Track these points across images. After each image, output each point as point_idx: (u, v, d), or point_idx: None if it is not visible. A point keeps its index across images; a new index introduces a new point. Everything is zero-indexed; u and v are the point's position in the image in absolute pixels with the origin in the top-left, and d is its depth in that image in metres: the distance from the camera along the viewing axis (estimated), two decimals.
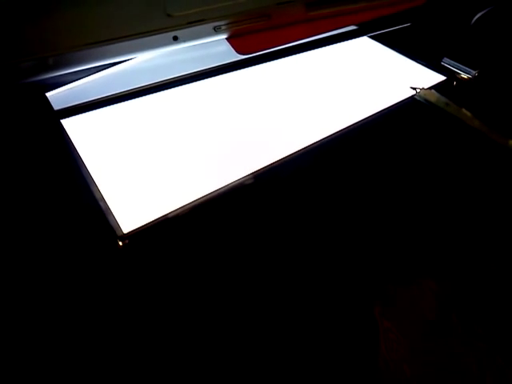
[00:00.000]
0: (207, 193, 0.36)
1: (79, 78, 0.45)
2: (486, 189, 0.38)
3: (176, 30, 0.40)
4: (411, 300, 0.34)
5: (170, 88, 0.44)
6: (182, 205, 0.36)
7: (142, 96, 0.44)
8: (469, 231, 0.36)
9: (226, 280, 0.34)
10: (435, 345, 0.32)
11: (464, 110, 0.41)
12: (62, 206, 0.37)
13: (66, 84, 0.45)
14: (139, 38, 0.40)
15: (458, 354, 0.32)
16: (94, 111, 0.43)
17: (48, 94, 0.46)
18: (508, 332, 0.32)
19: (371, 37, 0.50)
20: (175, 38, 0.41)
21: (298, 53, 0.46)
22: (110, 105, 0.43)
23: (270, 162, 0.38)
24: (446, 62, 0.47)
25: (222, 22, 0.41)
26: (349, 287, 0.35)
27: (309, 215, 0.37)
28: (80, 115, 0.43)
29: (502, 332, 0.32)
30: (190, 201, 0.36)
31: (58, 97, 0.46)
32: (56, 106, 0.44)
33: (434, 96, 0.42)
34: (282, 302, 0.34)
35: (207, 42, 0.42)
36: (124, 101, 0.43)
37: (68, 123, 0.43)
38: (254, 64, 0.44)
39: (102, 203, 0.36)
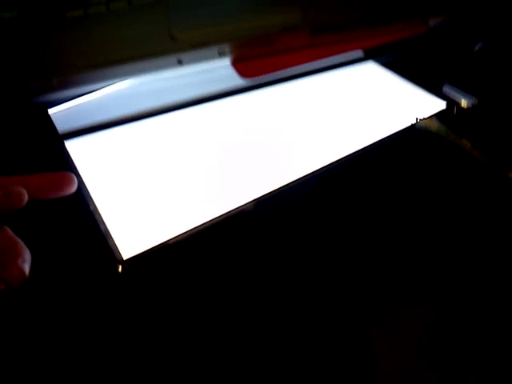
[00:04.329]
0: (209, 219, 0.36)
1: (82, 95, 0.45)
2: (485, 216, 0.38)
3: (180, 53, 0.41)
4: (406, 322, 0.34)
5: (174, 111, 0.44)
6: (183, 231, 0.35)
7: (145, 119, 0.44)
8: (466, 257, 0.36)
9: (225, 307, 0.34)
10: (430, 369, 0.32)
11: (465, 140, 0.41)
12: (62, 227, 0.37)
13: (69, 100, 0.46)
14: (144, 60, 0.40)
15: (452, 379, 0.32)
16: (97, 133, 0.43)
17: (50, 111, 0.46)
18: (503, 358, 0.32)
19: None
20: (179, 61, 0.41)
21: (301, 78, 0.46)
22: (113, 127, 0.43)
23: (270, 190, 0.38)
24: (447, 89, 0.47)
25: (227, 46, 0.41)
26: (345, 309, 0.35)
27: (307, 237, 0.37)
28: (83, 137, 0.43)
29: (497, 359, 0.32)
30: (192, 227, 0.36)
31: (60, 114, 0.45)
32: (59, 124, 0.44)
33: (434, 125, 0.42)
34: (280, 326, 0.34)
35: (211, 66, 0.42)
36: (127, 123, 0.43)
37: (71, 144, 0.43)
38: (257, 89, 0.44)
39: (102, 226, 0.36)
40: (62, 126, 0.44)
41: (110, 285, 0.34)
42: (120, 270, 0.34)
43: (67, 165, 0.40)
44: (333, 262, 0.36)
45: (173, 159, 0.41)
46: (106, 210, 0.37)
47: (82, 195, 0.38)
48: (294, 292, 0.35)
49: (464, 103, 0.45)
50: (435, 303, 0.35)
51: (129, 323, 0.33)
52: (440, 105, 0.46)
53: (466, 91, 0.46)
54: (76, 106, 0.45)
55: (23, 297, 0.33)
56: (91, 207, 0.37)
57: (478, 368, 0.32)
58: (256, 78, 0.43)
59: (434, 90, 0.47)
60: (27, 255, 0.27)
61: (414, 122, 0.43)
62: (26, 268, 0.26)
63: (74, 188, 0.30)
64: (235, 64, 0.43)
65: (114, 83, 0.43)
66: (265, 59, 0.42)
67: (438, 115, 0.44)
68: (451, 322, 0.34)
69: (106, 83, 0.42)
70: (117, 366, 0.32)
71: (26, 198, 0.27)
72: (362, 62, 0.48)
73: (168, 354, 0.32)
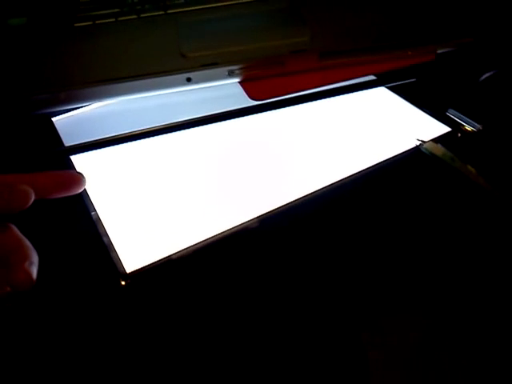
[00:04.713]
0: (213, 235, 0.36)
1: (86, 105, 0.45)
2: (483, 239, 0.38)
3: (190, 71, 0.41)
4: (398, 331, 0.34)
5: (180, 130, 0.44)
6: (186, 246, 0.36)
7: (151, 136, 0.44)
8: (463, 271, 0.36)
9: (227, 324, 0.34)
10: (422, 379, 0.32)
11: (469, 166, 0.41)
12: (65, 238, 0.37)
13: (73, 110, 0.46)
14: (153, 77, 0.40)
15: None
16: (103, 148, 0.43)
17: (54, 119, 0.46)
18: (496, 370, 0.32)
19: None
20: (188, 79, 0.41)
21: (309, 101, 0.46)
22: (120, 143, 0.43)
23: (275, 207, 0.38)
24: (451, 113, 0.47)
25: (236, 67, 0.42)
26: (337, 318, 0.34)
27: (307, 251, 0.37)
28: (88, 151, 0.43)
29: (492, 366, 0.32)
30: (195, 242, 0.36)
31: (64, 122, 0.46)
32: (63, 133, 0.44)
33: (439, 150, 0.42)
34: (276, 338, 0.34)
35: (219, 85, 0.42)
36: (134, 140, 0.43)
37: (76, 158, 0.43)
38: (265, 110, 0.45)
39: (105, 239, 0.36)
40: (66, 137, 0.44)
41: (112, 298, 0.34)
42: (123, 283, 0.34)
43: None
44: (329, 272, 0.36)
45: (178, 175, 0.41)
46: (109, 223, 0.37)
47: (87, 208, 0.38)
48: (291, 305, 0.35)
49: (468, 128, 0.45)
50: (430, 310, 0.35)
51: (129, 338, 0.33)
52: (444, 129, 0.46)
53: (471, 118, 0.46)
54: (80, 113, 0.45)
55: (25, 304, 0.33)
56: (94, 219, 0.37)
57: (473, 375, 0.32)
58: (264, 100, 0.43)
59: (439, 114, 0.47)
60: (35, 258, 0.26)
61: (417, 143, 0.43)
62: (34, 271, 0.25)
63: (81, 188, 0.29)
64: (244, 85, 0.43)
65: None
66: (274, 81, 0.43)
67: (443, 140, 0.44)
68: (446, 329, 0.34)
69: (113, 98, 0.42)
70: (116, 381, 0.32)
71: (32, 197, 0.26)
72: (372, 88, 0.49)
73: (170, 369, 0.32)
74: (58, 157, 0.43)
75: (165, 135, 0.44)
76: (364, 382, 0.32)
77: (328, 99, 0.47)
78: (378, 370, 0.32)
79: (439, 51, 0.47)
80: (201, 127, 0.45)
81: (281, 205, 0.39)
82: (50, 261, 0.35)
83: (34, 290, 0.32)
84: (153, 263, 0.35)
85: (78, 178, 0.30)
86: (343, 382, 0.32)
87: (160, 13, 0.49)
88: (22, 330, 0.33)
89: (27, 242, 0.27)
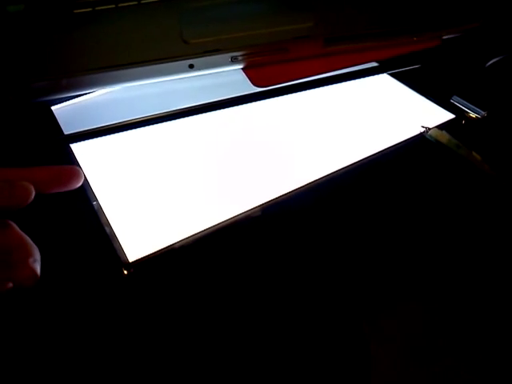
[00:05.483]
0: (215, 223, 0.36)
1: (86, 93, 0.45)
2: (485, 224, 0.38)
3: (192, 58, 0.40)
4: (398, 324, 0.34)
5: (182, 117, 0.43)
6: (189, 235, 0.35)
7: (152, 124, 0.43)
8: (464, 262, 0.36)
9: (228, 313, 0.34)
10: (423, 373, 0.32)
11: (474, 152, 0.41)
12: (67, 228, 0.37)
13: (72, 98, 0.45)
14: (155, 63, 0.40)
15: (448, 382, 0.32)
16: (103, 136, 0.43)
17: (54, 108, 0.46)
18: (496, 362, 0.32)
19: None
20: (191, 66, 0.41)
21: (312, 88, 0.46)
22: (120, 131, 0.42)
23: (277, 195, 0.38)
24: (456, 100, 0.47)
25: (239, 53, 0.41)
26: (340, 311, 0.34)
27: (309, 241, 0.37)
28: (89, 140, 0.43)
29: (493, 361, 0.32)
30: (197, 231, 0.36)
31: (63, 111, 0.45)
32: (62, 122, 0.44)
33: (444, 137, 0.42)
34: (279, 328, 0.33)
35: (222, 71, 0.42)
36: (135, 128, 0.43)
37: (76, 147, 0.42)
38: (269, 97, 0.44)
39: (107, 229, 0.36)
40: (66, 126, 0.44)
41: (115, 287, 0.34)
42: (125, 272, 0.34)
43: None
44: (330, 265, 0.36)
45: (180, 163, 0.41)
46: (111, 212, 0.37)
47: (88, 197, 0.38)
48: (292, 296, 0.35)
49: (472, 115, 0.45)
50: (430, 305, 0.35)
51: (132, 327, 0.33)
52: (448, 116, 0.46)
53: (475, 104, 0.46)
54: (80, 101, 0.45)
55: (28, 298, 0.33)
56: (96, 209, 0.37)
57: (473, 371, 0.32)
58: (268, 87, 0.43)
59: (443, 101, 0.47)
60: (37, 255, 0.26)
61: (422, 130, 0.43)
62: (38, 268, 0.26)
63: (79, 182, 0.29)
64: (247, 71, 0.43)
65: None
66: (277, 68, 0.42)
67: (447, 127, 0.44)
68: (446, 323, 0.34)
69: (115, 85, 0.41)
70: (119, 370, 0.31)
71: (33, 193, 0.26)
72: (376, 74, 0.48)
73: (172, 357, 0.32)
74: (57, 145, 0.42)
75: (166, 123, 0.44)
76: (365, 375, 0.32)
77: (332, 86, 0.47)
78: (379, 363, 0.32)
79: (445, 37, 0.46)
80: (203, 115, 0.45)
81: (284, 193, 0.38)
82: (53, 252, 0.35)
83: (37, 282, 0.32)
84: (155, 252, 0.34)
85: (77, 172, 0.30)
86: (345, 376, 0.32)
87: None
88: (25, 323, 0.33)
89: (29, 240, 0.27)
